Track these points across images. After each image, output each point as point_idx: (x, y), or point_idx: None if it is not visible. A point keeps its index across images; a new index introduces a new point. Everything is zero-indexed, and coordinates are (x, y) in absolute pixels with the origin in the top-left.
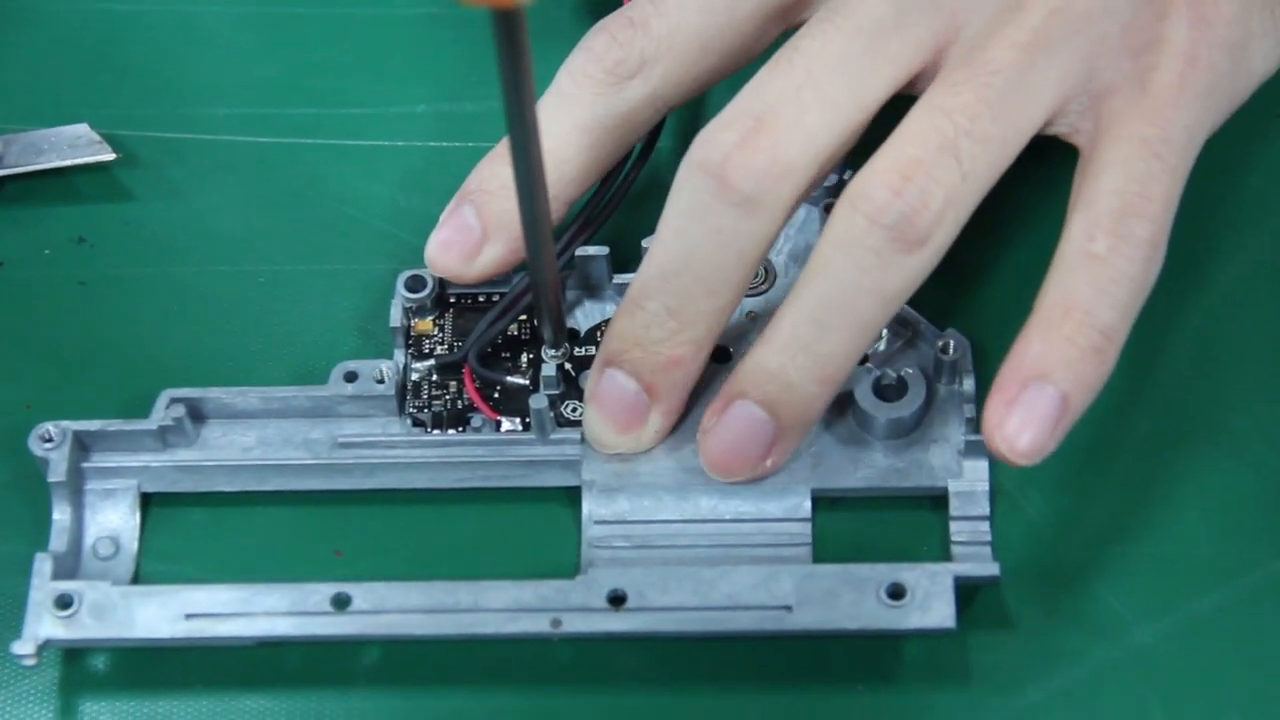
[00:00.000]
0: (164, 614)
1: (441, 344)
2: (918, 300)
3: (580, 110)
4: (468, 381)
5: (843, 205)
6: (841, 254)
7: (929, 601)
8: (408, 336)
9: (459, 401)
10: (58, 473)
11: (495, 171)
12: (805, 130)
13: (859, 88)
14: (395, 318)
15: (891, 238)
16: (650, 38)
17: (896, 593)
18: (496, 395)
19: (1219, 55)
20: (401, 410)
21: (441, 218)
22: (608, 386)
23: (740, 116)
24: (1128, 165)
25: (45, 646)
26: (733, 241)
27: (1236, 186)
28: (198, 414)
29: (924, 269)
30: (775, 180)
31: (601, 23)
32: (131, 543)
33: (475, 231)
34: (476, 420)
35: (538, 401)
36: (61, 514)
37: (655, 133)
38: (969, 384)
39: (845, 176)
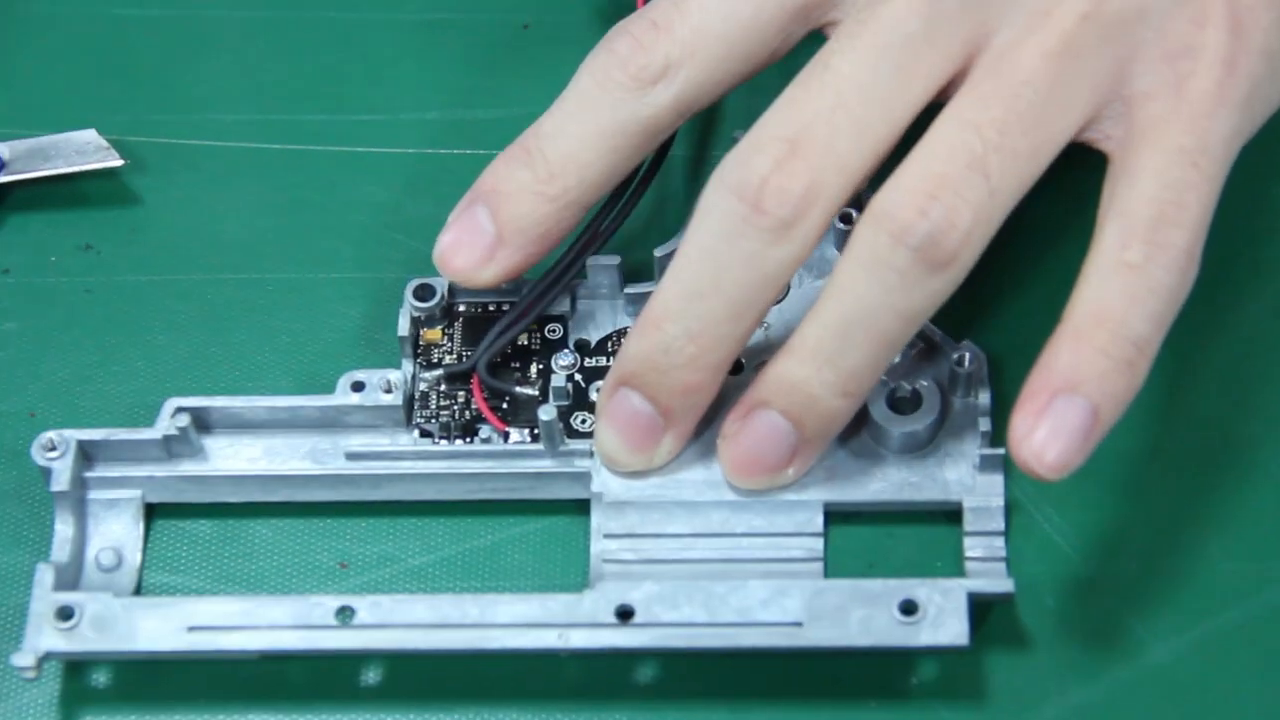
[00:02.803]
0: (166, 626)
1: (450, 353)
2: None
3: (603, 115)
4: (476, 392)
5: (867, 222)
6: (865, 272)
7: (942, 618)
8: (416, 346)
9: (467, 412)
10: (60, 482)
11: (512, 173)
12: (839, 154)
13: (891, 107)
14: (403, 327)
15: (917, 258)
16: (674, 41)
17: (909, 609)
18: (505, 406)
19: (1257, 62)
20: (409, 420)
21: (451, 217)
22: (621, 406)
23: (772, 140)
24: (1164, 173)
25: (46, 659)
26: (763, 266)
27: (1263, 199)
28: (203, 423)
29: (949, 287)
30: (810, 206)
31: (623, 24)
32: (134, 554)
33: (489, 234)
34: (485, 431)
35: (547, 413)
36: (64, 524)
37: (669, 140)
38: (985, 397)
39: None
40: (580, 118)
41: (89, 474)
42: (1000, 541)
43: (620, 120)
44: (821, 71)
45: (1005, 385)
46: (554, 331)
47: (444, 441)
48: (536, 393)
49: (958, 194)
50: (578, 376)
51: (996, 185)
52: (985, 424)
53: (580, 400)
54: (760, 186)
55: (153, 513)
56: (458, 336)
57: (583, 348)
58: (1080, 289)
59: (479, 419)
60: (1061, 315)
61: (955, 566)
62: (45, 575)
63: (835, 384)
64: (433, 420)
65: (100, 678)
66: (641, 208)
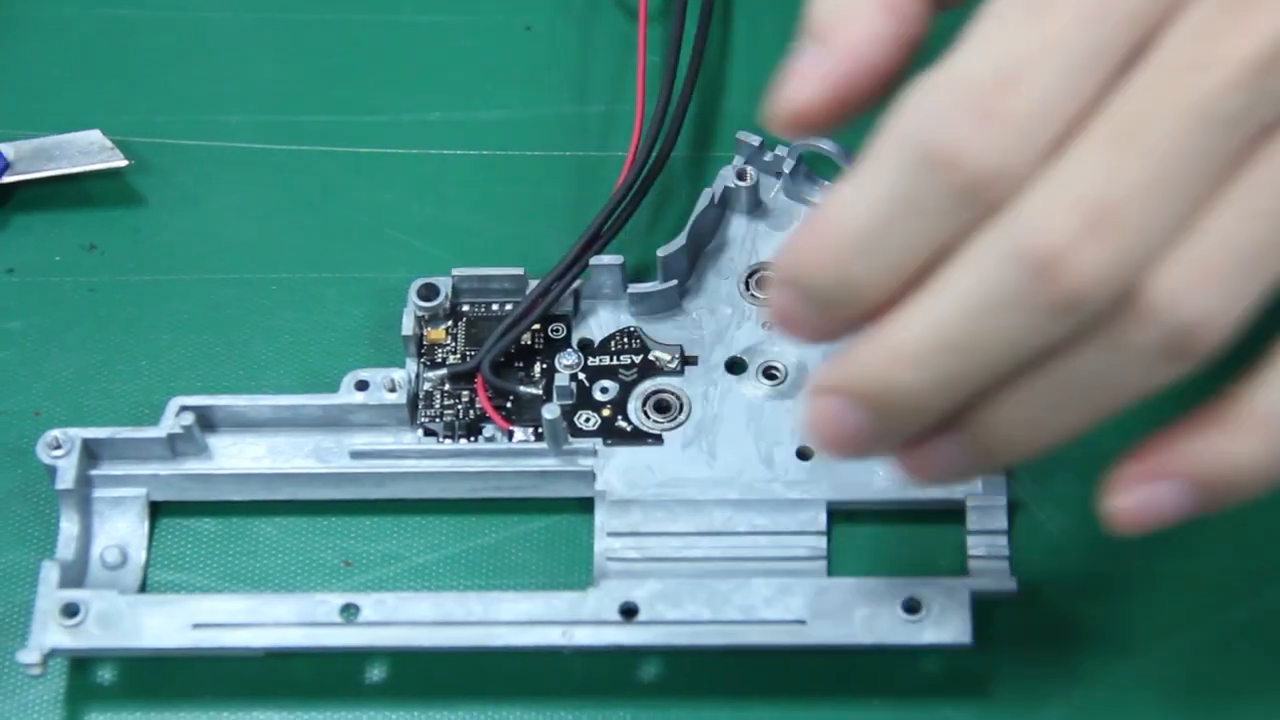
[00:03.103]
0: (171, 623)
1: (454, 353)
2: None
3: (933, 227)
4: (480, 391)
5: None
6: (1099, 338)
7: (945, 616)
8: (420, 345)
9: (471, 411)
10: (66, 480)
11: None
12: (1148, 238)
13: (1208, 182)
14: (407, 326)
15: (1163, 343)
16: (1019, 136)
17: (913, 607)
18: (509, 405)
19: None
20: (413, 420)
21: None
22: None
23: (1073, 207)
24: None
25: (51, 656)
26: (1034, 340)
27: None
28: (207, 422)
29: (1177, 377)
30: (1103, 289)
31: (945, 100)
32: (139, 551)
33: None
34: (489, 430)
35: (551, 412)
36: (69, 522)
37: (673, 138)
38: None
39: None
40: (916, 230)
41: (94, 472)
42: (1003, 540)
43: (944, 232)
44: (1138, 137)
45: None
46: (557, 331)
47: (448, 440)
48: (540, 392)
49: (1225, 287)
50: (581, 376)
51: (1265, 282)
52: None
53: (584, 399)
54: (1054, 260)
55: (158, 511)
56: (461, 336)
57: (586, 347)
58: (1270, 380)
59: (483, 418)
60: (1240, 396)
61: (958, 565)
62: (50, 572)
63: (1034, 441)
64: (437, 419)
65: (105, 674)
66: (643, 207)
